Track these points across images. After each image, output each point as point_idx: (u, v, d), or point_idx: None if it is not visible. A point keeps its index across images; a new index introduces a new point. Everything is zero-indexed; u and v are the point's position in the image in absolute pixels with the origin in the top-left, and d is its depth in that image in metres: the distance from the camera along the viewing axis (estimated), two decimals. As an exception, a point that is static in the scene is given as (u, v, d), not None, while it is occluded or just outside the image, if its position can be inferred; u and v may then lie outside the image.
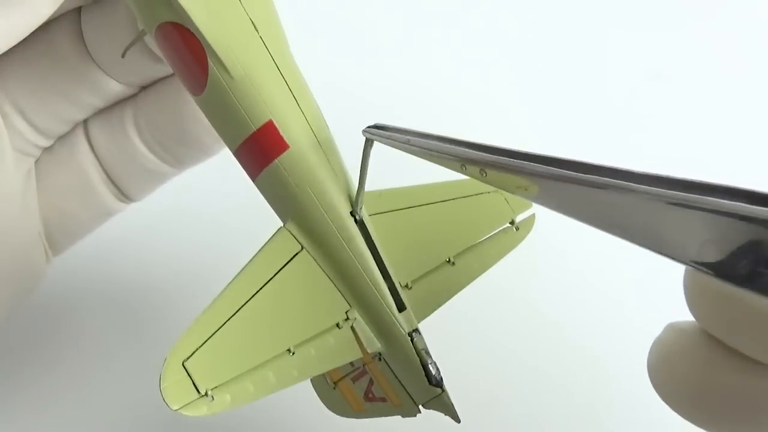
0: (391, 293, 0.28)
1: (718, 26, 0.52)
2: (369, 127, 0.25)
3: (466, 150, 0.22)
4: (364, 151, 0.26)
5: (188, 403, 0.25)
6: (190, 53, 0.28)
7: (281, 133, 0.27)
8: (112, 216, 0.36)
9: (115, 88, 0.33)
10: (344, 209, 0.27)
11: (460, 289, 0.30)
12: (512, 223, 0.31)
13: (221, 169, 0.34)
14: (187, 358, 0.25)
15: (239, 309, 0.26)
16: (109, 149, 0.34)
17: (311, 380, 0.32)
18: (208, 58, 0.27)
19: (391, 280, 0.27)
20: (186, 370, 0.25)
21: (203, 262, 0.43)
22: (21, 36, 0.29)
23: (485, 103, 0.49)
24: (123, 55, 0.31)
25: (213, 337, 0.26)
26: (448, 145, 0.23)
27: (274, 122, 0.27)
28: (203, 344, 0.26)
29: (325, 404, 0.31)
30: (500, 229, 0.31)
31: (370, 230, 0.27)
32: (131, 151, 0.34)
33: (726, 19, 0.52)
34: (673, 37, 0.51)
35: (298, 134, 0.27)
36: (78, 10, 0.32)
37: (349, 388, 0.30)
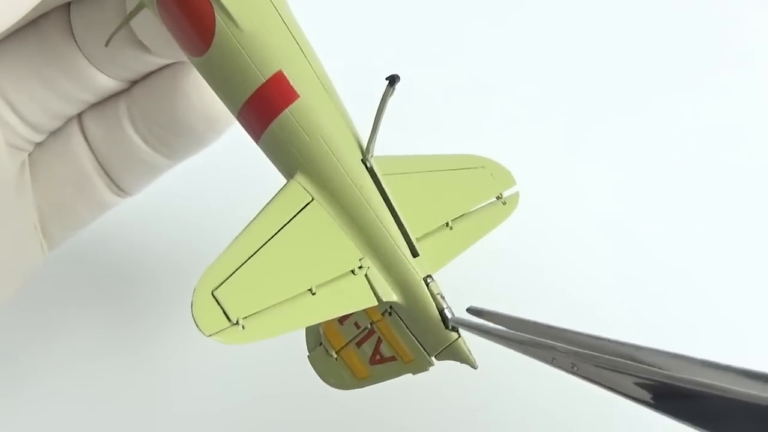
0: (404, 239, 0.28)
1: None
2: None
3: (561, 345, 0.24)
4: (382, 97, 0.27)
5: (220, 331, 0.24)
6: (196, 9, 0.28)
7: (291, 82, 0.28)
8: (108, 209, 0.36)
9: (105, 83, 0.33)
10: (355, 156, 0.28)
11: (459, 253, 0.30)
12: (499, 197, 0.32)
13: (216, 163, 0.34)
14: (216, 288, 0.25)
15: (257, 251, 0.26)
16: (103, 141, 0.34)
17: (308, 357, 0.31)
18: (216, 13, 0.28)
19: (404, 226, 0.28)
20: (216, 299, 0.25)
21: (199, 258, 0.42)
22: (21, 14, 0.28)
23: (486, 94, 0.50)
24: (106, 44, 0.31)
25: (238, 271, 0.25)
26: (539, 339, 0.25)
27: (284, 72, 0.28)
28: (230, 277, 0.25)
29: (323, 379, 0.31)
30: (489, 201, 0.32)
31: (379, 177, 0.28)
32: (126, 142, 0.34)
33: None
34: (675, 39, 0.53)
35: (306, 83, 0.28)
36: (67, 6, 0.32)
37: (352, 354, 0.30)
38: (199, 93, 0.32)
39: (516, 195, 0.33)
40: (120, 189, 0.35)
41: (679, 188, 0.47)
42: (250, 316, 0.25)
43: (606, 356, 0.23)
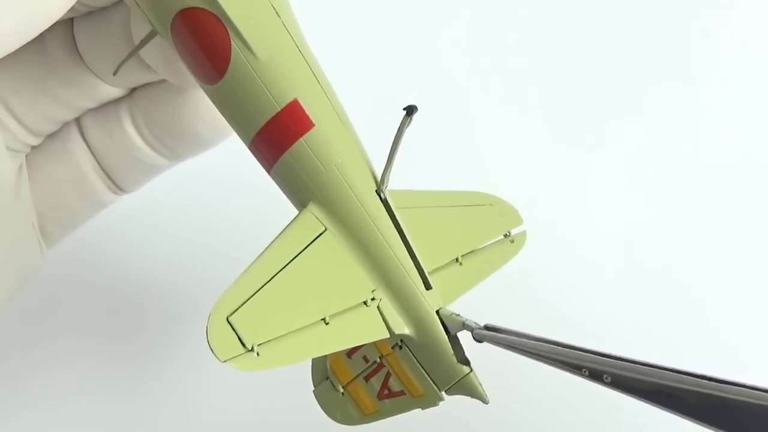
0: (417, 271, 0.28)
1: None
2: (482, 328, 0.27)
3: (588, 355, 0.24)
4: (399, 127, 0.27)
5: (235, 357, 0.24)
6: (212, 37, 0.28)
7: (306, 111, 0.27)
8: (105, 207, 0.36)
9: (108, 92, 0.33)
10: (370, 187, 0.28)
11: (468, 289, 0.30)
12: (507, 235, 0.32)
13: (215, 159, 0.34)
14: (231, 314, 0.24)
15: (270, 279, 0.26)
16: (103, 141, 0.34)
17: (314, 392, 0.31)
18: (232, 41, 0.28)
19: (417, 258, 0.28)
20: (231, 325, 0.24)
21: (195, 252, 0.42)
22: (31, 35, 0.28)
23: (487, 98, 0.50)
24: (115, 74, 0.31)
25: (252, 298, 0.25)
26: (567, 350, 0.25)
27: (299, 101, 0.28)
28: (244, 303, 0.25)
29: (329, 414, 0.30)
30: (498, 239, 0.32)
31: (393, 209, 0.28)
32: (126, 143, 0.34)
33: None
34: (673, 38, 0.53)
35: (321, 112, 0.28)
36: (71, 18, 0.32)
37: (359, 389, 0.30)
38: (206, 101, 0.32)
39: (523, 233, 0.33)
40: (117, 187, 0.35)
41: (688, 207, 0.47)
42: (264, 343, 0.25)
43: (642, 366, 0.23)
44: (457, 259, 0.30)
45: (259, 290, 0.25)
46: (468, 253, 0.31)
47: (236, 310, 0.25)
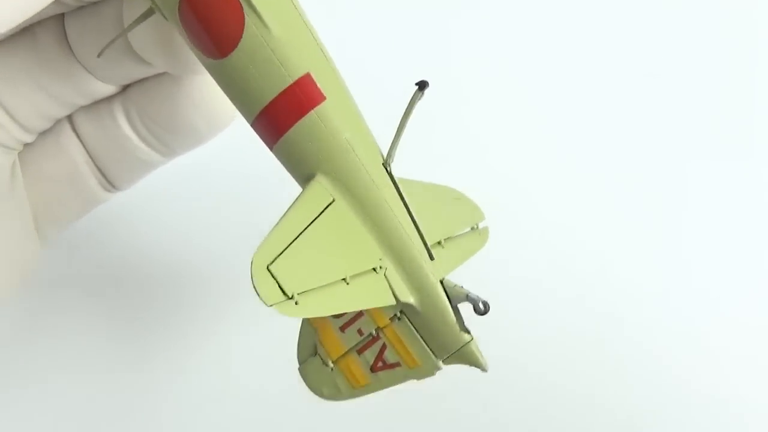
0: (422, 242, 0.29)
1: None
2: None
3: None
4: (410, 102, 0.28)
5: (278, 303, 0.24)
6: (224, 10, 0.28)
7: (318, 84, 0.28)
8: (99, 205, 0.35)
9: (100, 88, 0.33)
10: (377, 160, 0.29)
11: (450, 271, 0.31)
12: (474, 228, 0.34)
13: (211, 156, 0.34)
14: (270, 263, 0.25)
15: (292, 242, 0.26)
16: (96, 138, 0.33)
17: (299, 370, 0.31)
18: (245, 13, 0.28)
19: (420, 230, 0.29)
20: (271, 273, 0.25)
21: (191, 248, 0.40)
22: (29, 14, 0.28)
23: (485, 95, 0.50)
24: (99, 56, 0.31)
25: (284, 252, 0.26)
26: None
27: (312, 74, 0.28)
28: (279, 255, 0.25)
29: (315, 392, 0.30)
30: (468, 230, 0.34)
31: (397, 182, 0.29)
32: (121, 139, 0.33)
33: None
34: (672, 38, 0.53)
35: (331, 85, 0.28)
36: (62, 14, 0.32)
37: (351, 363, 0.30)
38: (201, 92, 0.32)
39: (486, 229, 0.34)
40: (111, 185, 0.35)
41: (685, 206, 0.49)
42: (302, 293, 0.25)
43: None
44: (440, 242, 0.31)
45: (287, 248, 0.26)
46: (447, 238, 0.32)
47: (274, 260, 0.25)
